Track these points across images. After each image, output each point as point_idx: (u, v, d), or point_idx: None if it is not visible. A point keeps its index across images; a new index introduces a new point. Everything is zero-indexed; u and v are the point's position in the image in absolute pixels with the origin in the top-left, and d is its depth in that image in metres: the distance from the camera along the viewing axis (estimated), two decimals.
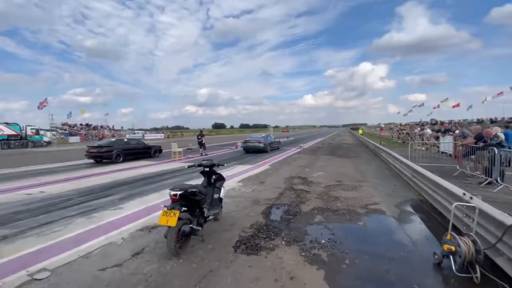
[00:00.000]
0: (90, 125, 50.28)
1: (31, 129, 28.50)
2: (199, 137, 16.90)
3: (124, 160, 13.25)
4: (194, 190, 3.63)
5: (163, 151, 16.30)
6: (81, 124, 48.66)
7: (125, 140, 14.41)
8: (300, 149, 20.09)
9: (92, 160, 13.29)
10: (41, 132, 30.06)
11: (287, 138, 40.27)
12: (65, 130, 43.02)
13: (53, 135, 35.68)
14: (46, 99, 32.32)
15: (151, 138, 49.41)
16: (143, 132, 60.96)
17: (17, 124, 27.97)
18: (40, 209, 5.57)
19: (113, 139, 14.48)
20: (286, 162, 12.75)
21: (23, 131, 27.90)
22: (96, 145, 13.27)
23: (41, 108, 31.96)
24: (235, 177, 8.91)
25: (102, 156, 12.82)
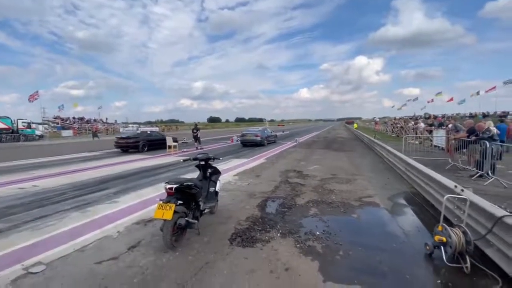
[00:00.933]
0: (83, 118, 49.56)
1: (23, 122, 27.95)
2: (194, 131, 16.81)
3: (148, 150, 15.00)
4: (189, 183, 3.62)
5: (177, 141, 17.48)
6: (74, 118, 47.93)
7: (148, 132, 16.41)
8: (295, 143, 20.16)
9: (119, 150, 15.14)
10: (33, 126, 29.50)
11: (283, 132, 40.29)
12: (57, 123, 42.36)
13: (45, 128, 35.07)
14: (37, 91, 31.66)
15: None
16: (137, 126, 60.29)
17: (8, 118, 27.40)
18: (33, 203, 5.51)
19: (138, 131, 17.28)
20: (281, 155, 12.79)
21: (14, 125, 27.36)
22: (125, 136, 15.40)
23: (32, 101, 31.34)
24: (231, 170, 8.92)
25: (129, 146, 14.75)
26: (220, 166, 9.66)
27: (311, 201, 5.40)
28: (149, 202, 5.42)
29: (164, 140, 15.89)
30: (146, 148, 15.00)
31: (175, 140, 16.64)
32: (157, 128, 55.28)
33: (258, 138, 17.78)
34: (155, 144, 15.31)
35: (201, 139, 17.18)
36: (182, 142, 17.91)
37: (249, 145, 18.06)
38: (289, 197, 5.65)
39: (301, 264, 3.20)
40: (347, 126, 68.40)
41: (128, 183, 7.38)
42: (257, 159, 11.69)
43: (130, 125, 60.82)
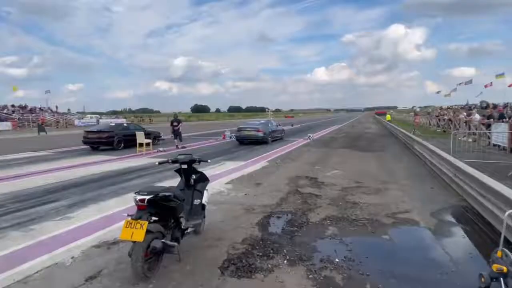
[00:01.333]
0: (26, 106, 49.57)
1: None
2: (174, 123, 16.86)
3: (125, 147, 15.72)
4: (167, 194, 3.64)
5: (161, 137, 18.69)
6: (13, 106, 47.90)
7: (125, 125, 17.39)
8: (308, 140, 20.27)
9: (88, 146, 16.15)
10: None
11: (292, 125, 40.51)
12: None
13: None
14: None
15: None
16: (98, 116, 60.39)
17: None
18: None
19: (112, 124, 18.03)
20: (290, 157, 12.85)
21: None
22: (95, 130, 16.53)
23: None
24: (222, 177, 8.96)
25: (102, 142, 15.59)
26: (208, 171, 9.68)
27: (329, 217, 5.44)
28: (114, 219, 5.45)
29: (145, 135, 16.14)
30: (122, 145, 15.75)
31: (153, 136, 17.21)
32: (124, 120, 55.55)
33: (260, 134, 17.96)
34: (134, 140, 15.53)
35: (182, 135, 17.21)
36: (158, 139, 18.02)
37: (248, 142, 18.22)
38: (299, 212, 5.69)
39: None
40: (377, 118, 68.69)
41: (86, 192, 7.41)
42: (257, 162, 11.72)
43: (89, 115, 60.91)
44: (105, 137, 15.83)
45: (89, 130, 16.62)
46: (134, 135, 15.58)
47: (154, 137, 17.49)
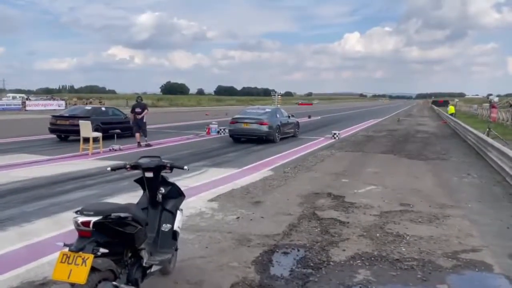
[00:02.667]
0: None
1: None
2: (137, 110, 16.86)
3: (104, 138, 16.41)
4: (122, 215, 3.63)
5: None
6: None
7: (103, 109, 19.66)
8: (333, 140, 20.28)
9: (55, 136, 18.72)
10: None
11: (309, 117, 40.49)
12: None
13: None
14: None
15: (39, 109, 48.97)
16: (24, 96, 60.28)
17: None
18: None
19: (88, 107, 20.77)
20: (305, 164, 12.90)
21: None
22: (67, 115, 19.18)
23: None
24: (204, 190, 9.02)
25: (75, 131, 16.74)
26: (183, 181, 9.70)
27: (360, 255, 5.44)
28: (43, 248, 5.44)
29: (129, 122, 18.89)
30: (134, 131, 17.40)
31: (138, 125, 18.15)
32: (63, 101, 55.56)
33: (264, 128, 18.13)
34: (114, 128, 17.49)
35: (147, 127, 17.24)
36: (112, 132, 18.12)
37: (246, 140, 18.33)
38: (316, 247, 5.69)
39: None
40: (435, 110, 68.61)
41: (3, 209, 7.41)
42: (256, 169, 11.77)
43: (10, 95, 60.82)
44: (79, 124, 16.54)
45: (58, 115, 19.76)
46: (116, 123, 18.46)
47: (139, 127, 18.71)
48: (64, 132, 18.64)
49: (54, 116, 19.48)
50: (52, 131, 19.19)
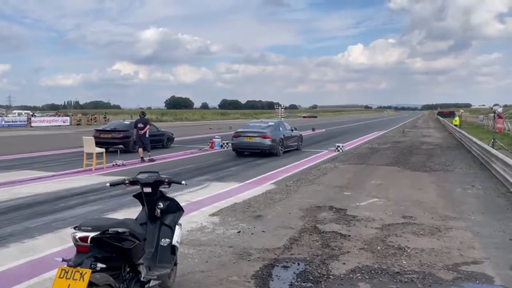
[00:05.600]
0: None
1: None
2: (139, 125, 16.97)
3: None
4: (120, 230, 3.66)
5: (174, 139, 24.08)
6: None
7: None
8: (337, 152, 20.26)
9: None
10: None
11: (313, 130, 40.50)
12: None
13: None
14: None
15: (44, 126, 49.33)
16: (29, 113, 60.78)
17: None
18: None
19: (127, 122, 22.70)
20: (308, 177, 12.89)
21: None
22: (109, 129, 21.44)
23: None
24: (206, 205, 9.02)
25: (116, 143, 19.78)
26: (185, 196, 9.76)
27: (360, 268, 5.44)
28: (44, 264, 5.47)
29: (160, 135, 22.38)
30: (137, 147, 18.37)
31: (166, 137, 23.00)
32: (68, 117, 56.06)
33: (267, 141, 18.18)
34: (150, 141, 18.91)
35: (149, 141, 17.35)
36: (115, 148, 18.33)
37: (249, 154, 18.42)
38: (317, 261, 5.69)
39: None
40: (440, 121, 68.40)
41: (6, 225, 7.45)
42: (259, 183, 11.77)
43: (16, 111, 61.32)
44: (120, 137, 20.07)
45: (101, 129, 22.53)
46: (151, 135, 19.28)
47: (168, 138, 23.14)
48: (106, 144, 19.22)
49: (97, 130, 21.78)
50: (96, 143, 19.68)
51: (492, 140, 20.89)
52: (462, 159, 17.60)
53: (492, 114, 29.05)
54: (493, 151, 14.81)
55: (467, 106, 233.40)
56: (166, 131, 23.73)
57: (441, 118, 77.11)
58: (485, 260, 5.79)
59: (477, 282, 5.11)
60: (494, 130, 26.06)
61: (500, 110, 28.41)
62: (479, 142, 18.49)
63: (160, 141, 22.40)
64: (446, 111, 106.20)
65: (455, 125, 39.95)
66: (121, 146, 19.83)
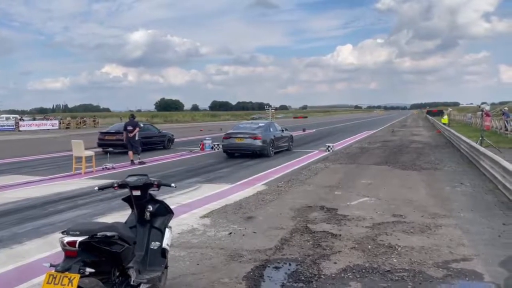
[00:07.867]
0: None
1: None
2: (128, 127, 16.92)
3: (143, 150, 18.76)
4: (109, 234, 3.63)
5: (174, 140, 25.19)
6: None
7: (142, 125, 20.88)
8: (327, 152, 20.33)
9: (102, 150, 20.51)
10: None
11: (304, 130, 40.59)
12: None
13: None
14: None
15: (33, 130, 48.95)
16: (16, 117, 60.30)
17: None
18: None
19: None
20: (299, 177, 12.91)
21: None
22: (113, 131, 22.27)
23: None
24: (196, 207, 9.00)
25: (120, 145, 19.75)
26: (176, 198, 9.73)
27: (351, 268, 5.46)
28: (33, 269, 5.44)
29: (161, 137, 23.87)
30: (140, 148, 18.41)
31: (167, 138, 24.09)
32: (56, 121, 55.68)
33: (258, 142, 18.21)
34: (151, 143, 21.85)
35: (139, 144, 17.29)
36: (104, 151, 18.23)
37: (240, 155, 18.45)
38: (308, 261, 5.70)
39: None
40: (429, 119, 68.91)
41: None
42: (250, 184, 11.77)
43: (3, 115, 60.77)
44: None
45: (105, 131, 23.46)
46: (152, 137, 22.60)
47: (168, 139, 24.23)
48: (111, 146, 20.79)
49: (102, 133, 23.04)
50: (100, 145, 21.64)
51: (480, 138, 21.01)
52: (451, 157, 17.71)
53: (480, 112, 29.27)
54: (482, 149, 14.91)
55: (455, 104, 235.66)
56: (167, 133, 25.13)
57: (430, 117, 77.61)
58: (474, 257, 5.83)
59: (467, 279, 5.16)
60: (482, 128, 26.24)
61: (487, 108, 28.66)
62: (467, 140, 18.62)
63: (162, 142, 23.76)
64: (435, 110, 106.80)
65: (444, 124, 40.16)
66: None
